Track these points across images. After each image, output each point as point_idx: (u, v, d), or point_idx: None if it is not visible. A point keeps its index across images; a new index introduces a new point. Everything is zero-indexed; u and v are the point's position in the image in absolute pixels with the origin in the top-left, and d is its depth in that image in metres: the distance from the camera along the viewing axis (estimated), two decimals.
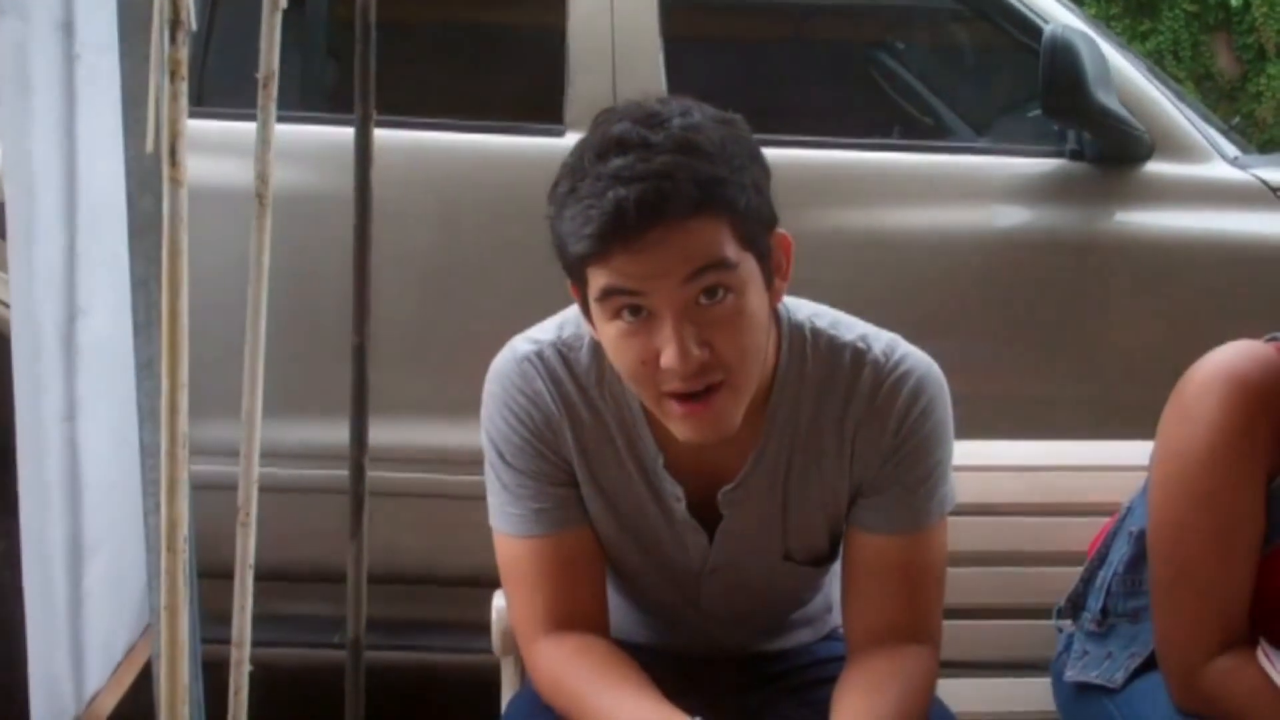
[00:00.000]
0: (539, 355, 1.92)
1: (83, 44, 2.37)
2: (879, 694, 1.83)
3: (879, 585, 1.91)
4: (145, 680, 2.64)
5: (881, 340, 1.91)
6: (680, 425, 1.78)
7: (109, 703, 2.56)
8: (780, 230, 1.81)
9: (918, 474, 1.90)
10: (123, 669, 2.64)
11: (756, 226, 1.75)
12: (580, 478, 1.93)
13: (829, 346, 1.90)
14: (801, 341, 1.90)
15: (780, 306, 1.88)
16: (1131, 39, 9.65)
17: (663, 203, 1.65)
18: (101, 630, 2.55)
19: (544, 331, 1.95)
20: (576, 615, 1.92)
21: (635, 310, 1.72)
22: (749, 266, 1.74)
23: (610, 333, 1.76)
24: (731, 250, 1.71)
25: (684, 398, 1.75)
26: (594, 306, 1.76)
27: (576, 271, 1.76)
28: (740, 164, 1.72)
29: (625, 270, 1.69)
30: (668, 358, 1.71)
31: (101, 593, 2.53)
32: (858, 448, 1.90)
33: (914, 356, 1.91)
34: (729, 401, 1.76)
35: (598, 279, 1.72)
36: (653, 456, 1.92)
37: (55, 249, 2.34)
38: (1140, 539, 2.07)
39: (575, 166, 1.72)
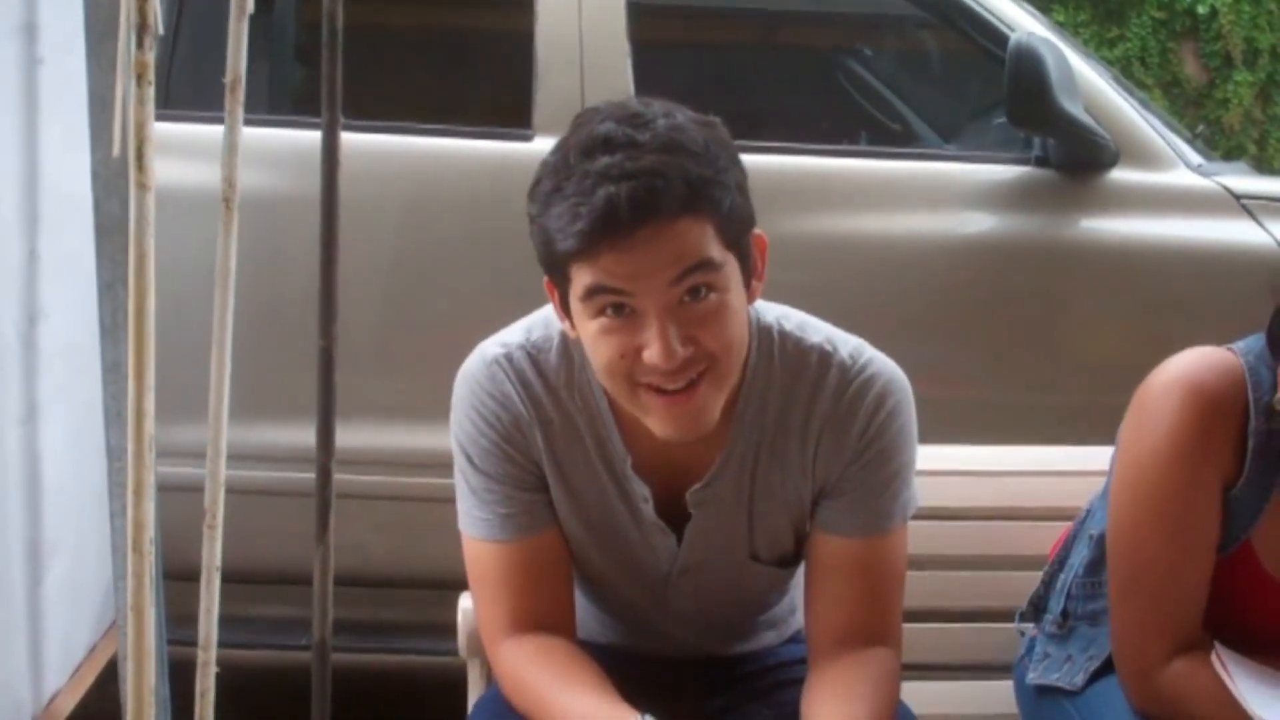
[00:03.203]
0: (508, 358, 1.92)
1: (47, 46, 2.36)
2: (852, 702, 1.84)
3: (843, 587, 1.92)
4: (111, 680, 2.63)
5: (848, 344, 1.92)
6: (659, 419, 1.79)
7: (69, 703, 2.56)
8: (757, 231, 1.82)
9: (882, 477, 1.90)
10: (83, 669, 2.63)
11: (739, 227, 1.76)
12: (550, 480, 1.94)
13: (796, 348, 1.91)
14: (769, 343, 1.90)
15: (749, 308, 1.89)
16: (1099, 46, 9.67)
17: (654, 201, 1.66)
18: (61, 631, 2.54)
19: (512, 335, 1.95)
20: (541, 618, 1.92)
21: (619, 308, 1.73)
22: (732, 267, 1.75)
23: (591, 329, 1.76)
24: (716, 251, 1.72)
25: (664, 390, 1.75)
26: (576, 304, 1.76)
27: (559, 269, 1.76)
28: (724, 165, 1.73)
29: (613, 269, 1.69)
30: (651, 355, 1.71)
31: (61, 594, 2.52)
32: (822, 450, 1.90)
33: (880, 361, 1.92)
34: (710, 394, 1.77)
35: (583, 277, 1.72)
36: (621, 458, 1.92)
37: (16, 252, 2.33)
38: (1100, 542, 2.09)
39: (559, 165, 1.72)
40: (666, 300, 1.71)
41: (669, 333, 1.71)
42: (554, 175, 1.72)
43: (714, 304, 1.73)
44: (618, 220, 1.66)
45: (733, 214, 1.74)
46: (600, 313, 1.74)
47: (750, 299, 1.83)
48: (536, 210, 1.75)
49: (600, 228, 1.67)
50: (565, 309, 1.81)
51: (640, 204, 1.66)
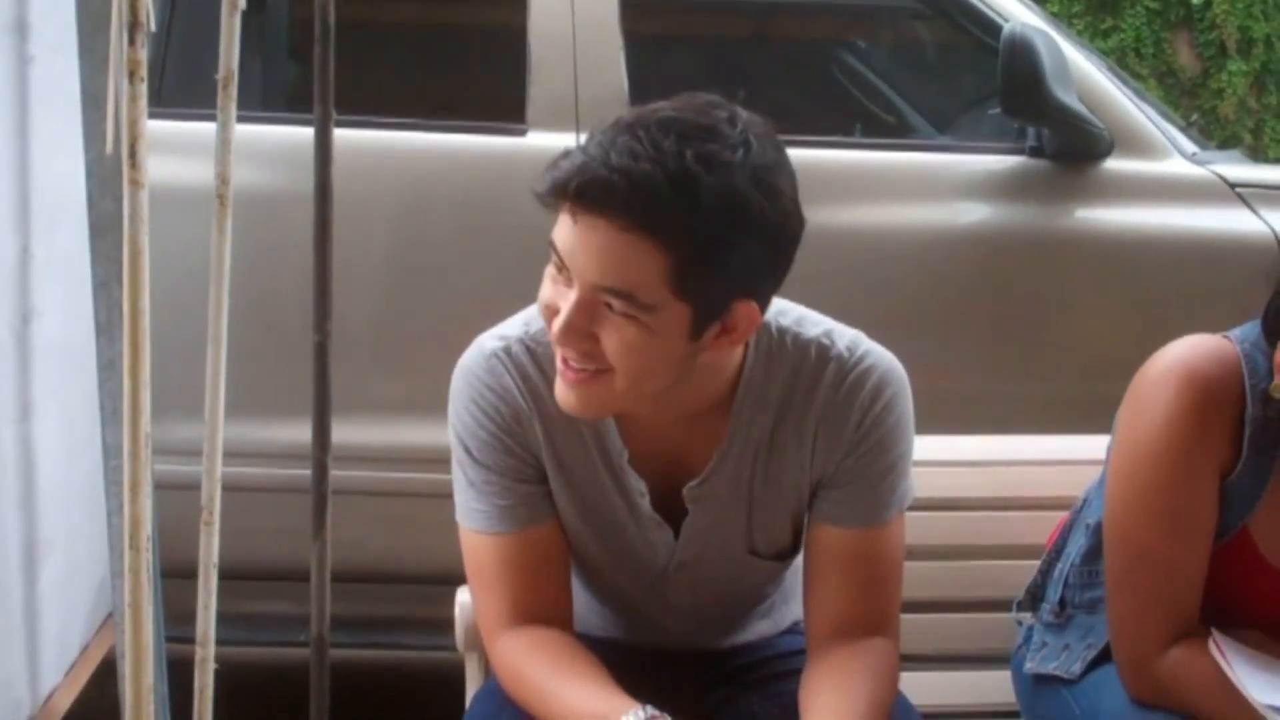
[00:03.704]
0: (506, 351, 1.91)
1: (39, 45, 2.36)
2: (850, 692, 1.84)
3: (841, 578, 1.92)
4: (108, 677, 2.63)
5: (845, 336, 1.92)
6: (557, 385, 1.81)
7: (66, 700, 2.56)
8: (753, 303, 1.76)
9: (879, 468, 1.90)
10: (78, 666, 2.64)
11: (704, 286, 1.69)
12: (549, 472, 1.93)
13: (794, 343, 1.90)
14: (767, 339, 1.90)
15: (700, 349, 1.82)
16: (1094, 36, 9.68)
17: (604, 196, 1.64)
18: (57, 628, 2.55)
19: (510, 328, 1.95)
20: (539, 610, 1.92)
21: (560, 267, 1.73)
22: (673, 314, 1.70)
23: (549, 268, 1.77)
24: (653, 290, 1.68)
25: (565, 361, 1.77)
26: None
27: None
28: (727, 226, 1.66)
29: (564, 233, 1.70)
30: (555, 323, 1.73)
31: (57, 591, 2.53)
32: (820, 442, 1.90)
33: (877, 352, 1.92)
34: (605, 393, 1.77)
35: (557, 223, 1.73)
36: (618, 451, 1.92)
37: (9, 250, 2.33)
38: (1097, 531, 2.09)
39: (614, 122, 1.71)
40: (589, 293, 1.70)
41: (577, 319, 1.71)
42: (604, 127, 1.71)
43: (630, 329, 1.70)
44: (564, 191, 1.66)
45: (700, 270, 1.67)
46: (552, 260, 1.75)
47: (708, 349, 1.78)
48: None
49: (554, 186, 1.67)
50: None
51: (590, 192, 1.64)
